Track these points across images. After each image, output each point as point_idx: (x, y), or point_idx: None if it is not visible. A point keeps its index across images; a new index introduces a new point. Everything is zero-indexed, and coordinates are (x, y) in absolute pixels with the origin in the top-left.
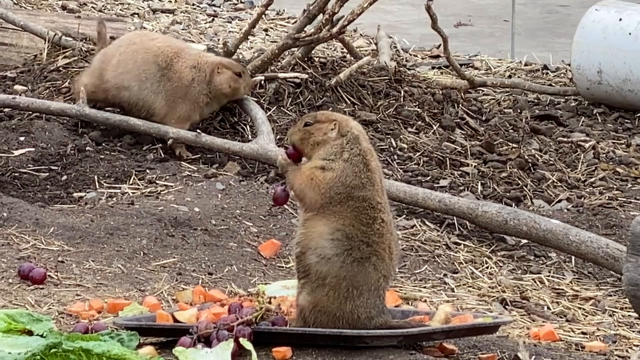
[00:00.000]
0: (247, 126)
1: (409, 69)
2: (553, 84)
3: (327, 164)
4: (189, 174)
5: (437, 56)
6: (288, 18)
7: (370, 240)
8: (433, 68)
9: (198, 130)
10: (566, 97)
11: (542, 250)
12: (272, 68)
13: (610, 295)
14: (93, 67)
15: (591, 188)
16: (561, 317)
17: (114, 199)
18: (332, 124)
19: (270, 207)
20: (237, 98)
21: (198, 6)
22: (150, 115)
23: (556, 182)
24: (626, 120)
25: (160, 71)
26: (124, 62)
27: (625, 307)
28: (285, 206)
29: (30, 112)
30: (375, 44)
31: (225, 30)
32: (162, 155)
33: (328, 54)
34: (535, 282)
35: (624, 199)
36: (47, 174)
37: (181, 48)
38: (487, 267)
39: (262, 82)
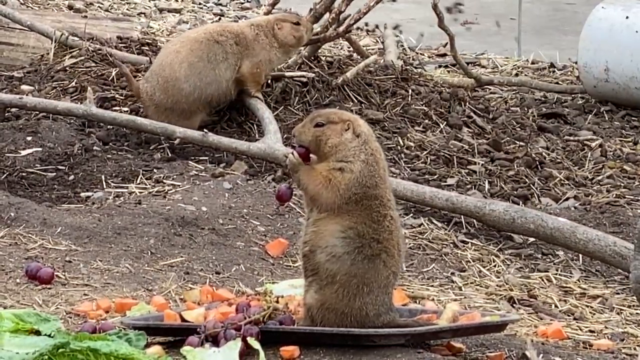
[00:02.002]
0: (254, 125)
1: (415, 68)
2: (560, 82)
3: (346, 166)
4: (196, 173)
5: (444, 55)
6: None
7: (380, 237)
8: (440, 66)
9: (205, 130)
10: (573, 95)
11: (550, 248)
12: (278, 67)
13: (618, 293)
14: (162, 103)
15: (598, 186)
16: (569, 315)
17: (121, 198)
18: (346, 124)
19: (278, 206)
20: (303, 45)
21: (205, 5)
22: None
23: (563, 180)
24: (633, 118)
25: (223, 44)
26: (191, 67)
27: (633, 305)
28: (293, 205)
29: (37, 112)
30: (382, 42)
31: None
32: (169, 155)
33: (335, 53)
34: (542, 280)
35: (632, 197)
36: (55, 173)
37: (220, 23)
38: (495, 266)
39: (269, 81)
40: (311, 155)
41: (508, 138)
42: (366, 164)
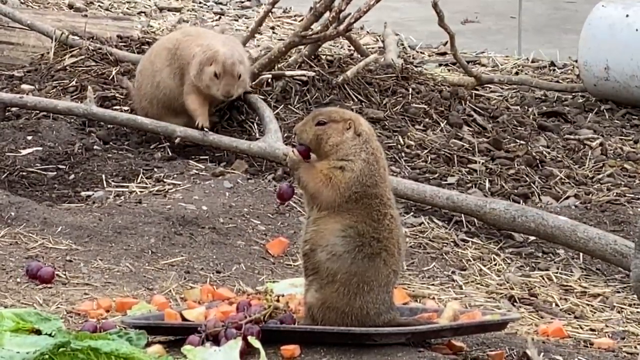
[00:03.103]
0: (255, 124)
1: (416, 67)
2: (560, 81)
3: (347, 165)
4: (197, 172)
5: (444, 53)
6: (295, 16)
7: (380, 236)
8: (440, 65)
9: (205, 129)
10: (573, 94)
11: (550, 247)
12: (279, 66)
13: (619, 292)
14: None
15: (599, 185)
16: (569, 314)
17: (122, 197)
18: (347, 123)
19: (278, 205)
20: (212, 97)
21: (205, 4)
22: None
23: (564, 179)
24: (633, 117)
25: (171, 52)
26: (143, 73)
27: (634, 304)
28: (293, 204)
29: (38, 112)
30: (382, 41)
31: (232, 29)
32: (170, 154)
33: (335, 52)
34: (543, 278)
35: (632, 196)
36: (55, 173)
37: (198, 32)
38: (495, 264)
39: (269, 80)
40: (311, 154)
41: (508, 137)
42: (367, 162)
